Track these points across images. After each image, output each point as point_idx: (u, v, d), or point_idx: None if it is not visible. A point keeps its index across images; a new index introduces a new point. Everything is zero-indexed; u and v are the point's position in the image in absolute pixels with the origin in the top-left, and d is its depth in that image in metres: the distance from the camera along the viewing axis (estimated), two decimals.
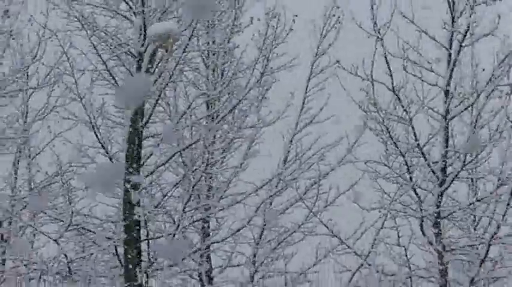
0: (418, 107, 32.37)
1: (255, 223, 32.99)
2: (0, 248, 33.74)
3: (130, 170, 29.28)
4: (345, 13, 33.92)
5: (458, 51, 32.10)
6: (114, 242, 30.46)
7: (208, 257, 33.48)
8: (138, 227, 29.79)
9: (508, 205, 32.28)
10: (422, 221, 32.96)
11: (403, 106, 32.45)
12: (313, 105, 34.34)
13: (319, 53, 34.32)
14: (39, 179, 34.41)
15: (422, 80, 32.18)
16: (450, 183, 32.64)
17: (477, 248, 33.00)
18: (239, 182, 33.59)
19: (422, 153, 33.07)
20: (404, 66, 32.42)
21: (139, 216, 29.43)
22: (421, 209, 32.76)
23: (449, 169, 32.82)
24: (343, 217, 33.60)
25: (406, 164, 33.67)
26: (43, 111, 33.54)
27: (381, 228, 33.27)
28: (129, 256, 28.79)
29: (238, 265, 33.52)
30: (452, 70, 32.31)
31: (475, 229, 33.84)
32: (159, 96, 30.51)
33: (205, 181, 33.05)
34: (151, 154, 31.17)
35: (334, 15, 33.61)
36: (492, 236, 32.10)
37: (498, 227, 32.55)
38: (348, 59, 34.51)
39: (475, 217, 33.97)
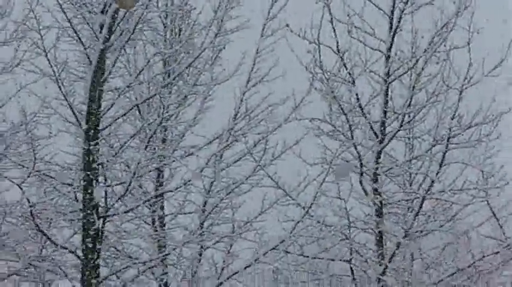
0: (360, 70, 32.94)
1: (206, 174, 33.10)
2: None
3: (90, 121, 29.62)
4: None
5: (399, 19, 32.81)
6: (74, 188, 30.66)
7: (162, 204, 33.91)
8: (96, 175, 29.97)
9: (442, 163, 33.05)
10: (362, 176, 33.50)
11: (346, 68, 32.92)
12: (263, 66, 34.09)
13: (270, 17, 34.24)
14: (4, 128, 34.01)
15: (365, 45, 32.88)
16: (388, 141, 33.49)
17: (412, 203, 33.77)
18: (192, 135, 34.38)
19: (363, 113, 33.56)
20: (349, 31, 32.99)
21: (98, 164, 29.94)
22: (361, 165, 32.96)
23: (388, 129, 33.51)
24: (288, 170, 33.96)
25: (348, 122, 33.68)
26: (10, 65, 32.77)
27: (323, 182, 32.74)
28: (87, 202, 29.40)
29: (189, 213, 33.75)
30: (393, 36, 33.07)
31: (410, 185, 34.54)
32: (120, 52, 30.62)
33: (161, 134, 33.94)
34: (111, 106, 31.33)
35: None
36: (426, 192, 32.92)
37: (432, 183, 33.29)
38: (298, 24, 33.88)
39: (410, 173, 34.86)
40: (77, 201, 30.45)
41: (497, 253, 34.58)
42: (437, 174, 33.59)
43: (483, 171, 33.74)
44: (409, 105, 33.80)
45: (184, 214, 33.99)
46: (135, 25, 30.58)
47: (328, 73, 33.44)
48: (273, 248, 32.42)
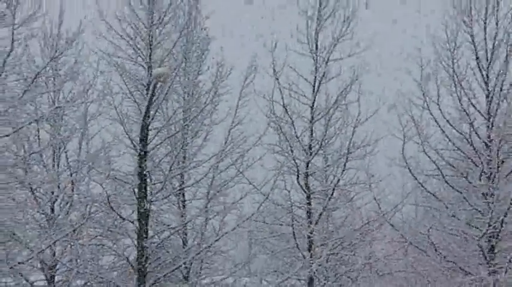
0: (296, 117, 34.59)
1: (209, 176, 32.93)
2: None
3: (142, 147, 30.56)
4: None
5: (320, 82, 34.16)
6: (132, 186, 31.22)
7: (184, 194, 33.74)
8: (145, 178, 30.80)
9: (344, 168, 34.36)
10: (298, 177, 34.29)
11: (288, 114, 34.39)
12: (242, 114, 33.21)
13: (245, 86, 32.94)
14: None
15: (300, 101, 34.51)
16: (313, 156, 34.46)
17: (327, 191, 34.52)
18: (201, 153, 33.86)
19: (299, 140, 34.52)
20: (290, 94, 34.41)
21: (146, 171, 30.65)
22: (298, 170, 34.26)
23: (313, 149, 34.65)
24: (257, 174, 33.60)
25: (290, 146, 34.54)
26: (98, 114, 32.68)
27: (276, 180, 32.51)
28: (140, 193, 30.55)
29: (200, 199, 33.73)
30: (315, 97, 34.33)
31: (326, 181, 34.97)
32: (158, 107, 31.53)
33: (182, 153, 33.31)
34: (153, 138, 31.68)
35: None
36: (335, 185, 34.31)
37: (338, 180, 34.58)
38: (262, 85, 34.47)
39: (327, 175, 35.02)
40: (134, 193, 30.87)
41: (375, 220, 34.43)
42: (342, 173, 34.64)
43: (367, 173, 34.73)
44: (325, 135, 34.59)
45: (198, 199, 33.76)
46: (167, 91, 31.55)
47: (277, 117, 34.28)
48: (248, 219, 32.16)
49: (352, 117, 34.28)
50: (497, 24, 32.87)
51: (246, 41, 36.50)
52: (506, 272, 31.10)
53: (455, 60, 33.29)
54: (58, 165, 32.41)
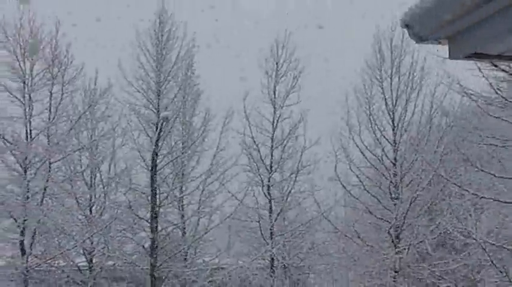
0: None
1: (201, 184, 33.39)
2: None
3: (153, 166, 31.19)
4: None
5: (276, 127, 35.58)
6: (145, 192, 31.70)
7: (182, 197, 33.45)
8: (155, 185, 31.33)
9: (295, 180, 34.42)
10: (262, 187, 34.11)
11: (257, 146, 34.34)
12: (227, 144, 33.81)
13: (225, 129, 33.66)
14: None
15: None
16: (274, 172, 34.38)
17: (284, 197, 34.19)
18: (197, 169, 33.73)
19: (264, 164, 34.48)
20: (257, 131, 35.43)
21: (155, 179, 31.28)
22: (262, 183, 33.98)
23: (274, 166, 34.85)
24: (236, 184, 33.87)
25: (257, 166, 34.42)
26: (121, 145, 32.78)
27: (247, 190, 33.76)
28: (152, 192, 31.05)
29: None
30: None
31: (282, 190, 34.50)
32: (164, 139, 32.02)
33: (181, 169, 32.98)
34: (161, 161, 32.09)
35: None
36: (288, 193, 34.11)
37: (290, 189, 34.47)
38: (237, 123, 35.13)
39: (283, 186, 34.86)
40: (148, 200, 31.51)
41: (317, 217, 33.99)
42: (293, 185, 34.49)
43: (311, 184, 34.64)
44: (281, 158, 34.51)
45: (193, 204, 33.54)
46: (170, 128, 32.27)
47: (248, 146, 34.21)
48: (227, 217, 33.08)
49: (300, 145, 34.53)
50: (399, 79, 33.63)
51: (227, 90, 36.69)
52: (407, 252, 31.74)
53: (370, 105, 33.81)
54: (94, 181, 32.97)
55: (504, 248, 16.91)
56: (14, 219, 29.97)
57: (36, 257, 30.42)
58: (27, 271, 29.99)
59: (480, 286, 19.58)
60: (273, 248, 33.62)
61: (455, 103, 32.50)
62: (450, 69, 22.07)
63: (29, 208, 29.77)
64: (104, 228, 31.67)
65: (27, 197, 29.96)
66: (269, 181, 34.47)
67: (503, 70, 16.60)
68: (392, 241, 32.80)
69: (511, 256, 17.33)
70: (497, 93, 17.62)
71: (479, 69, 16.44)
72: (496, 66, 16.20)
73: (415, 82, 33.65)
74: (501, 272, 15.96)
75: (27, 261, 29.91)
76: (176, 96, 32.82)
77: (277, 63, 34.99)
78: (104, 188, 32.79)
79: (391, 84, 33.87)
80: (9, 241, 30.39)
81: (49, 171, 30.86)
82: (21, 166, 30.36)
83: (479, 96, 18.49)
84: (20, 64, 30.56)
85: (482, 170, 19.24)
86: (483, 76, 16.81)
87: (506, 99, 17.54)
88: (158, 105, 32.21)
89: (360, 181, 34.08)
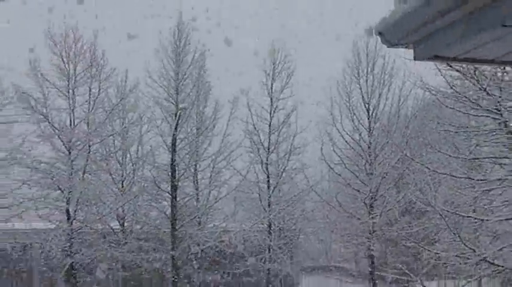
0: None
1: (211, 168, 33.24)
2: None
3: (172, 151, 31.06)
4: None
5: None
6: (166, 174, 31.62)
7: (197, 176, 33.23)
8: (174, 167, 31.26)
9: (288, 159, 34.03)
10: (262, 165, 33.69)
11: (259, 136, 35.15)
12: (232, 133, 33.36)
13: (232, 117, 33.36)
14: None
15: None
16: (271, 152, 33.78)
17: (279, 174, 34.52)
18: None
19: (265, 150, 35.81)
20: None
21: (175, 164, 31.20)
22: (262, 162, 33.48)
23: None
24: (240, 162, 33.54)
25: (260, 155, 33.83)
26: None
27: (249, 167, 33.70)
28: (171, 172, 31.10)
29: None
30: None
31: (278, 167, 34.05)
32: (182, 126, 31.94)
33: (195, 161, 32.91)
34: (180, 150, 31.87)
35: None
36: (283, 170, 33.89)
37: (285, 167, 34.18)
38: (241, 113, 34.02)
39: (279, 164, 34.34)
40: (168, 175, 31.52)
41: (306, 189, 33.84)
42: (287, 163, 34.15)
43: (301, 163, 34.41)
44: (277, 141, 34.05)
45: (205, 179, 33.52)
46: (187, 117, 32.06)
47: (250, 131, 33.88)
48: (233, 189, 32.96)
49: (292, 131, 34.52)
50: (373, 77, 33.83)
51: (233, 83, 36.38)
52: (379, 218, 31.82)
53: (350, 98, 33.97)
54: (125, 160, 33.02)
55: (457, 214, 17.01)
56: (61, 190, 30.21)
57: (79, 221, 30.73)
58: (72, 233, 30.36)
59: (437, 245, 19.74)
60: (270, 215, 33.74)
61: (419, 97, 32.71)
62: (415, 69, 22.18)
63: (73, 181, 29.98)
64: (133, 198, 31.84)
65: (72, 173, 30.15)
66: (267, 160, 34.31)
67: (457, 70, 16.75)
68: (367, 209, 33.01)
69: (463, 221, 17.35)
70: (452, 88, 17.70)
71: (438, 69, 16.57)
72: (451, 66, 16.31)
73: (386, 80, 33.86)
74: (454, 234, 16.09)
75: (71, 225, 30.26)
76: (191, 91, 32.88)
77: (273, 64, 34.93)
78: (133, 166, 32.71)
79: (366, 81, 34.02)
80: (58, 209, 30.54)
81: (89, 152, 31.04)
82: (66, 147, 30.56)
83: (438, 91, 18.61)
84: (65, 66, 30.92)
85: (440, 151, 19.31)
86: (441, 75, 16.94)
87: (459, 94, 17.59)
88: (177, 99, 32.29)
89: (341, 160, 34.24)
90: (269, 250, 33.50)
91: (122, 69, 32.55)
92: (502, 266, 16.62)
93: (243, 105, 34.33)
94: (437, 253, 18.14)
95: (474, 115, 18.18)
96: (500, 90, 17.01)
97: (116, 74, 32.13)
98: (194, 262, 32.86)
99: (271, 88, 34.72)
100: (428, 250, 19.13)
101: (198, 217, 33.23)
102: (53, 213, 30.45)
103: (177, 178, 31.82)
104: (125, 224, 32.25)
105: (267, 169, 34.45)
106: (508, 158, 17.75)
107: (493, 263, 16.56)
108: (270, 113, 34.55)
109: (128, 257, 31.28)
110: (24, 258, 31.99)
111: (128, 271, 32.36)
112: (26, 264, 32.57)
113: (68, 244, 30.11)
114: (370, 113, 33.93)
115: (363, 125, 33.95)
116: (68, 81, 30.82)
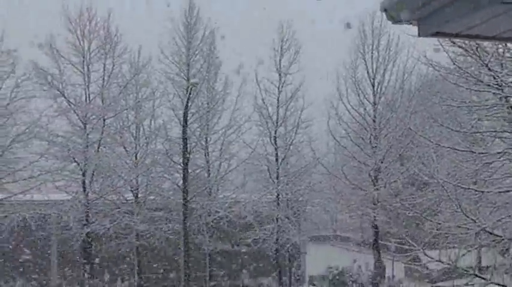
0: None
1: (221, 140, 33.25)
2: None
3: (184, 128, 30.50)
4: None
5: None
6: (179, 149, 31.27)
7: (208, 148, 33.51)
8: (186, 143, 30.71)
9: (296, 132, 33.82)
10: (270, 138, 33.28)
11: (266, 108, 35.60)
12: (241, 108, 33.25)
13: (241, 94, 33.17)
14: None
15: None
16: (279, 126, 33.35)
17: (287, 146, 33.90)
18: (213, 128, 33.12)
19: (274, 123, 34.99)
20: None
21: (187, 141, 30.65)
22: (270, 135, 33.15)
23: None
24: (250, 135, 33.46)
25: (269, 129, 33.79)
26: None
27: (258, 141, 33.53)
28: (184, 145, 30.60)
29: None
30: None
31: (286, 140, 33.88)
32: (193, 100, 31.51)
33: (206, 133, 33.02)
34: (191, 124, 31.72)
35: None
36: (290, 143, 33.60)
37: (292, 140, 34.00)
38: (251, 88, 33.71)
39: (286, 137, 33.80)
40: (180, 147, 31.08)
41: (312, 162, 33.53)
42: (294, 136, 33.65)
43: (309, 136, 34.11)
44: (285, 115, 33.59)
45: (216, 151, 33.36)
46: (197, 92, 31.73)
47: (259, 105, 33.53)
48: (243, 161, 33.01)
49: (300, 105, 34.36)
50: (378, 53, 33.76)
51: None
52: (383, 189, 32.11)
53: (355, 73, 33.95)
54: (139, 133, 32.81)
55: (459, 186, 17.02)
56: (77, 163, 30.41)
57: (94, 193, 30.88)
58: (88, 204, 30.54)
59: (439, 216, 19.79)
60: (278, 186, 33.81)
61: (422, 73, 32.70)
62: (419, 46, 22.08)
63: (89, 154, 30.17)
64: (146, 170, 32.00)
65: (87, 146, 30.32)
66: (275, 133, 34.24)
67: (459, 46, 16.60)
68: (372, 181, 33.12)
69: (464, 193, 17.38)
70: (454, 64, 17.60)
71: (442, 45, 16.45)
72: (454, 43, 16.15)
73: (391, 55, 33.83)
74: (455, 205, 16.05)
75: (87, 196, 30.47)
76: (202, 66, 32.85)
77: (281, 41, 34.50)
78: (146, 139, 32.66)
79: (372, 57, 33.98)
80: (74, 180, 30.76)
81: (103, 126, 31.20)
82: (81, 121, 30.75)
83: (441, 67, 18.50)
84: (80, 43, 31.06)
85: (442, 125, 19.26)
86: (444, 51, 16.85)
87: (461, 70, 17.48)
88: (188, 74, 32.30)
89: (347, 134, 34.61)
90: (277, 220, 33.51)
91: (135, 46, 32.54)
92: (501, 236, 16.67)
93: (252, 80, 34.21)
94: (439, 224, 18.13)
95: (476, 90, 18.03)
96: (502, 66, 16.84)
97: (129, 50, 32.12)
98: (205, 231, 33.01)
99: (280, 63, 34.47)
100: (430, 221, 19.16)
101: (209, 188, 33.33)
102: (69, 185, 30.67)
103: (188, 151, 31.69)
104: (139, 195, 32.20)
105: (275, 142, 34.35)
106: (508, 132, 17.64)
107: (492, 234, 16.52)
108: (278, 88, 34.34)
109: (141, 227, 31.39)
110: (42, 228, 32.06)
111: (141, 240, 32.25)
112: (44, 234, 32.71)
113: (84, 215, 30.33)
114: (375, 88, 33.87)
115: (368, 100, 33.96)
116: (83, 57, 30.92)
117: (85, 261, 31.09)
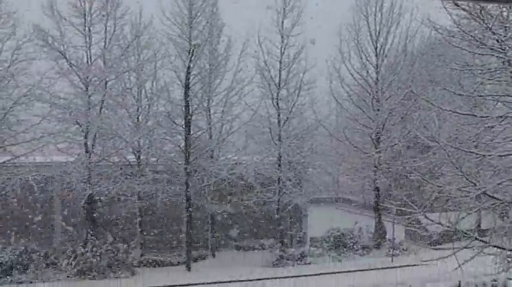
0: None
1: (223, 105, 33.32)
2: None
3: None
4: None
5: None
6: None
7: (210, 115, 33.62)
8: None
9: (298, 95, 33.73)
10: (272, 101, 33.29)
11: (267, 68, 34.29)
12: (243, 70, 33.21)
13: (243, 54, 32.94)
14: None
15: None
16: (281, 89, 33.29)
17: (289, 109, 34.02)
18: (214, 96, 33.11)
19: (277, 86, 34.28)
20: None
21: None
22: (272, 97, 33.18)
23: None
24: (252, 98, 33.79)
25: (271, 91, 33.33)
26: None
27: (260, 103, 33.50)
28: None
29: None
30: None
31: (288, 103, 33.91)
32: (195, 62, 31.63)
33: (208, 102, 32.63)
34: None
35: None
36: (292, 106, 33.64)
37: (294, 103, 34.48)
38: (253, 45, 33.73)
39: (288, 99, 33.94)
40: (182, 110, 31.46)
41: (314, 124, 33.73)
42: (296, 99, 33.65)
43: (311, 98, 34.04)
44: (287, 77, 33.33)
45: (218, 113, 33.44)
46: (200, 53, 31.67)
47: (261, 67, 33.42)
48: (245, 123, 33.01)
49: (302, 67, 34.39)
50: (381, 15, 33.64)
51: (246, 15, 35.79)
52: (385, 152, 31.79)
53: (358, 35, 33.98)
54: (141, 95, 32.83)
55: (460, 149, 17.06)
56: (79, 125, 30.47)
57: (97, 155, 30.97)
58: (90, 165, 30.64)
59: (440, 179, 19.83)
60: (280, 148, 34.03)
61: (425, 35, 32.76)
62: (422, 8, 21.95)
63: (91, 116, 30.21)
64: (148, 132, 32.19)
65: (89, 108, 30.34)
66: (277, 96, 34.45)
67: (463, 9, 16.53)
68: (374, 143, 33.55)
69: (465, 156, 17.40)
70: (458, 27, 17.50)
71: (445, 8, 16.35)
72: (457, 5, 16.05)
73: (394, 18, 33.80)
74: (457, 168, 16.15)
75: (90, 158, 30.54)
76: (204, 28, 32.70)
77: (284, 2, 34.31)
78: (148, 101, 32.79)
79: (375, 19, 34.03)
80: (76, 143, 30.83)
81: (105, 88, 31.15)
82: (83, 83, 30.66)
83: (444, 30, 18.42)
84: (81, 4, 30.88)
85: (444, 89, 19.30)
86: (448, 13, 16.72)
87: (465, 33, 17.43)
88: (190, 35, 32.19)
89: (349, 96, 34.69)
90: (279, 182, 33.75)
91: (136, 8, 32.57)
92: (501, 200, 16.73)
93: (255, 42, 34.18)
94: (440, 187, 18.15)
95: (479, 54, 18.13)
96: (505, 30, 16.97)
97: (131, 12, 31.98)
98: (207, 193, 33.14)
99: (282, 25, 34.36)
100: (431, 184, 19.14)
101: (211, 150, 33.48)
102: (71, 147, 30.77)
103: (190, 113, 31.93)
104: (141, 157, 32.43)
105: (277, 104, 34.49)
106: (510, 96, 17.67)
107: (492, 197, 16.58)
108: (281, 50, 34.38)
109: (143, 188, 31.53)
110: (45, 190, 32.25)
111: (143, 202, 32.39)
112: (47, 195, 32.93)
113: (87, 176, 30.47)
114: (378, 51, 33.94)
115: (370, 63, 34.11)
116: (84, 19, 30.79)
117: (88, 222, 31.19)
